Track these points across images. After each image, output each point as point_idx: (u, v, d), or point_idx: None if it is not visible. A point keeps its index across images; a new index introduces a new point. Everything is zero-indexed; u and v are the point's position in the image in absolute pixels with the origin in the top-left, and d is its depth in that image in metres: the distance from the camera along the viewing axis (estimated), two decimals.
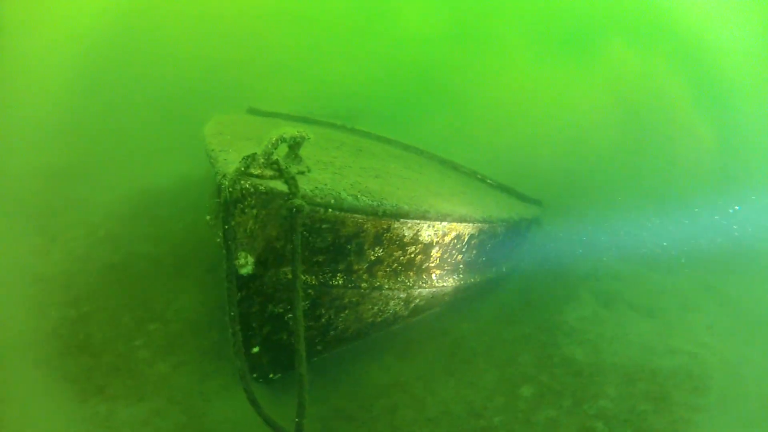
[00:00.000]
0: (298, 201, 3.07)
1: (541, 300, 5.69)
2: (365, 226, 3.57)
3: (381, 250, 3.81)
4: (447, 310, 5.09)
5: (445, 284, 4.55)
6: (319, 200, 3.23)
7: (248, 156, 3.15)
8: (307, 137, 3.54)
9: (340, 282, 3.71)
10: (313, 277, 3.58)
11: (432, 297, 4.67)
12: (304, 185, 3.25)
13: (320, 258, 3.54)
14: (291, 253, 3.15)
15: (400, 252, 3.96)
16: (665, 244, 7.15)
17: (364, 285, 3.84)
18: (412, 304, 4.54)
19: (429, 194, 4.58)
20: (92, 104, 8.21)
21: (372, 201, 3.47)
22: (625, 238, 7.19)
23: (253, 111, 7.16)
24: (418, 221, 3.86)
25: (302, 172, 3.46)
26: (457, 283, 4.75)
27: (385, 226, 3.68)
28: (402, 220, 3.72)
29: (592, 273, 6.31)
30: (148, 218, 5.97)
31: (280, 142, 3.18)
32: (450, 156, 6.95)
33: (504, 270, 5.59)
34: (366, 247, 3.71)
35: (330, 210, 3.31)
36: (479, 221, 4.48)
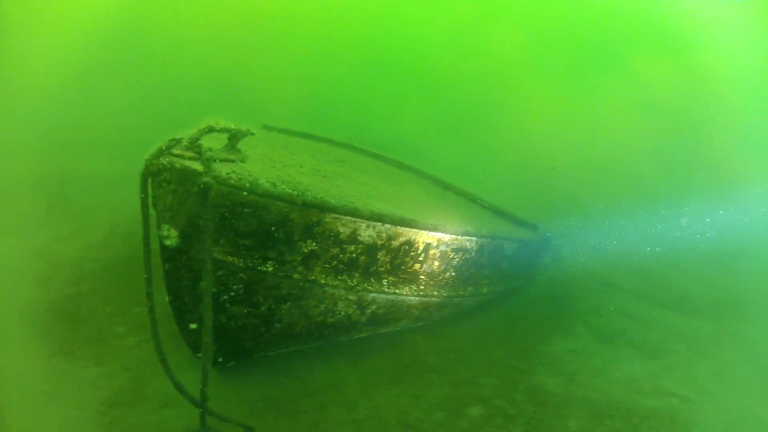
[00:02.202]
0: (206, 179, 3.36)
1: (528, 329, 5.40)
2: (291, 216, 3.74)
3: (314, 244, 3.94)
4: (416, 326, 5.03)
5: (400, 292, 4.52)
6: (232, 182, 3.49)
7: (174, 138, 3.53)
8: (248, 132, 3.86)
9: (270, 269, 3.88)
10: (241, 260, 3.79)
11: (392, 306, 4.64)
12: (224, 170, 3.55)
13: (247, 242, 3.75)
14: (203, 227, 3.45)
15: (338, 249, 4.05)
16: (687, 283, 6.38)
17: (296, 276, 3.96)
18: (369, 310, 4.55)
19: (376, 198, 4.62)
20: (131, 118, 9.34)
21: (292, 190, 3.67)
22: (641, 274, 6.55)
23: (267, 127, 7.69)
24: (353, 219, 3.93)
25: (231, 161, 3.75)
26: (420, 296, 4.68)
27: (314, 219, 3.82)
28: (332, 214, 3.84)
29: (594, 308, 5.88)
30: None
31: (207, 130, 3.53)
32: (463, 184, 6.90)
33: (485, 291, 5.36)
34: (296, 238, 3.86)
35: (246, 194, 3.56)
36: (434, 230, 4.43)
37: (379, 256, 4.28)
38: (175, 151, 3.52)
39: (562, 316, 5.78)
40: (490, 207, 6.77)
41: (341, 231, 4.00)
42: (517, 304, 5.98)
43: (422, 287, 4.70)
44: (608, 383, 4.55)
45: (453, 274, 4.90)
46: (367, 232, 4.11)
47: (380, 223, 4.11)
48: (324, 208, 3.79)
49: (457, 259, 4.85)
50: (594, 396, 4.37)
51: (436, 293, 4.82)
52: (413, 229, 4.31)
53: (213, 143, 3.82)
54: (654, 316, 5.92)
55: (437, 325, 5.17)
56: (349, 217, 3.95)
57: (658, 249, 7.12)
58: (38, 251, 5.61)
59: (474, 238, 4.83)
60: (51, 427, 3.58)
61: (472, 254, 4.94)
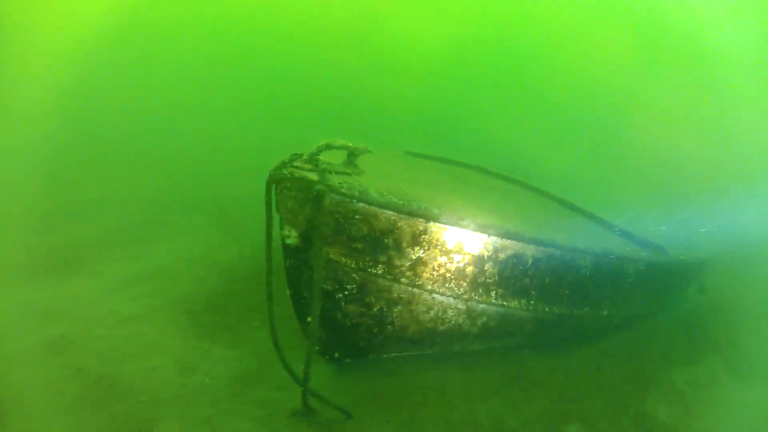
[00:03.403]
0: (320, 187, 3.84)
1: (652, 356, 5.11)
2: (399, 224, 4.07)
3: (422, 251, 4.21)
4: (529, 342, 5.04)
5: (509, 305, 4.59)
6: (344, 191, 3.91)
7: (296, 153, 4.07)
8: (365, 149, 4.30)
9: (380, 272, 4.22)
10: (354, 261, 4.18)
11: (503, 319, 4.72)
12: (338, 181, 3.98)
13: (359, 246, 4.13)
14: (317, 230, 3.89)
15: (445, 257, 4.28)
16: None
17: (404, 280, 4.27)
18: (479, 321, 4.68)
19: (486, 211, 4.75)
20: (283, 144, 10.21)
21: (398, 199, 3.99)
22: None
23: (409, 153, 8.04)
24: (459, 229, 4.16)
25: (347, 173, 4.19)
26: (531, 311, 4.71)
27: (421, 228, 4.11)
28: (436, 224, 4.10)
29: (734, 340, 5.32)
30: None
31: (325, 147, 4.01)
32: (589, 202, 6.69)
33: (605, 314, 5.17)
34: (404, 245, 4.17)
35: (355, 201, 3.94)
36: (542, 245, 4.46)
37: (486, 268, 4.44)
38: (297, 163, 4.07)
39: (694, 345, 5.38)
40: (616, 227, 6.51)
41: (447, 240, 4.24)
42: (644, 329, 5.67)
43: (533, 302, 4.74)
44: (731, 416, 4.20)
45: (567, 291, 4.87)
46: (474, 244, 4.30)
47: (486, 235, 4.28)
48: (428, 217, 4.08)
49: (570, 276, 4.81)
50: (711, 429, 4.08)
51: (548, 310, 4.83)
52: (520, 243, 4.41)
53: (336, 160, 4.31)
54: None
55: (552, 343, 5.14)
56: (454, 228, 4.19)
57: None
58: (199, 256, 6.64)
59: (588, 256, 4.77)
60: (190, 389, 4.25)
61: (587, 272, 4.87)
